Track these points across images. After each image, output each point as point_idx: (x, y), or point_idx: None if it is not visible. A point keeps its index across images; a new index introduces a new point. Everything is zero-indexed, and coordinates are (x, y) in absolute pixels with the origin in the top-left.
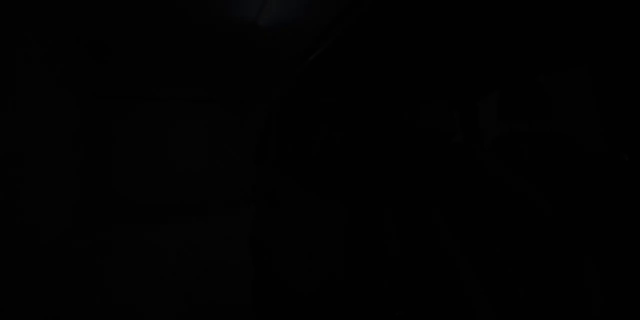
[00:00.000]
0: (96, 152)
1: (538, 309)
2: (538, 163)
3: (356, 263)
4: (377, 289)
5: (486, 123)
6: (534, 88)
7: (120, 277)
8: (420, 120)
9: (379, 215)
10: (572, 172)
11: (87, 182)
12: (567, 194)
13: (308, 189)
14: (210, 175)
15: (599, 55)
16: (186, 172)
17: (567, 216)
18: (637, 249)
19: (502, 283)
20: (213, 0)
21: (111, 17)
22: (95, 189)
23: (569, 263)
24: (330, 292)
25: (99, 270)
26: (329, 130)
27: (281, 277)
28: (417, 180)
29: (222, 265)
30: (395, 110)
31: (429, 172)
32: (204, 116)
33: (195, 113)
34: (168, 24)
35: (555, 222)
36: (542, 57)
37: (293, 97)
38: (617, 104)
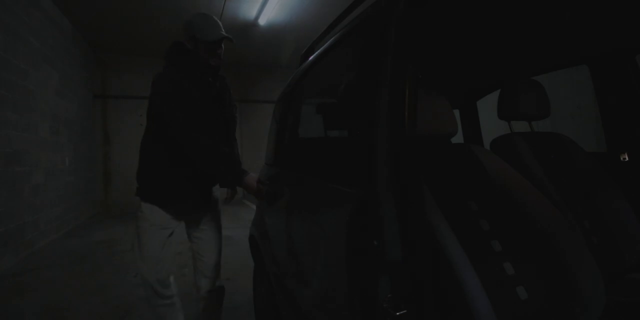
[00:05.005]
0: (96, 152)
1: (538, 308)
2: (538, 162)
3: (357, 262)
4: (378, 288)
5: (486, 123)
6: (534, 88)
7: (119, 277)
8: (420, 120)
9: (381, 214)
10: (569, 170)
11: (87, 182)
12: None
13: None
14: None
15: (599, 55)
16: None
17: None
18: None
19: (502, 282)
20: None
21: (117, 17)
22: (95, 189)
23: (570, 262)
24: (329, 292)
25: (98, 270)
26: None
27: (281, 279)
28: (418, 180)
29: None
30: (396, 109)
31: (429, 172)
32: None
33: None
34: (168, 23)
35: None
36: (542, 57)
37: (292, 96)
38: (617, 104)
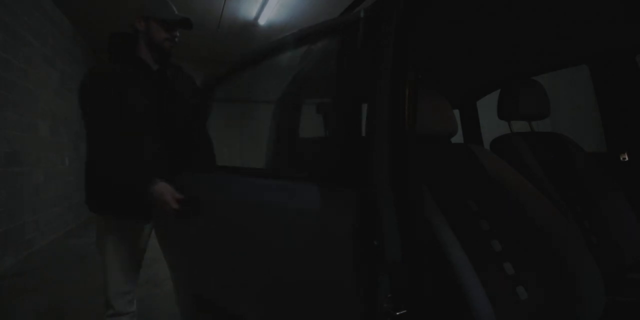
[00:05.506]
0: None
1: (538, 308)
2: (537, 162)
3: (359, 262)
4: (378, 288)
5: (486, 123)
6: (534, 88)
7: None
8: (420, 120)
9: (381, 214)
10: (569, 170)
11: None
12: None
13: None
14: None
15: (599, 55)
16: None
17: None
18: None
19: (502, 282)
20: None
21: (117, 17)
22: None
23: (571, 261)
24: (327, 293)
25: (98, 270)
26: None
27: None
28: (419, 180)
29: None
30: (396, 109)
31: (429, 172)
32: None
33: None
34: None
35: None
36: (542, 57)
37: (288, 95)
38: (617, 104)
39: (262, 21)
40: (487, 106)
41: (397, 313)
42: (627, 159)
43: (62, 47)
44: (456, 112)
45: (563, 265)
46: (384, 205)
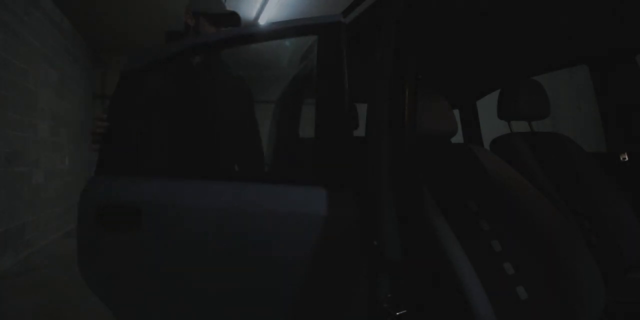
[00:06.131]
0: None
1: (538, 308)
2: (537, 162)
3: (361, 262)
4: (377, 288)
5: (486, 123)
6: (534, 88)
7: None
8: (420, 120)
9: (381, 214)
10: (569, 170)
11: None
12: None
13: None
14: None
15: (599, 55)
16: None
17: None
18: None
19: (502, 282)
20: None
21: (117, 17)
22: None
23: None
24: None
25: None
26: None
27: None
28: (418, 180)
29: None
30: (396, 109)
31: (429, 172)
32: None
33: None
34: (168, 23)
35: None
36: (542, 57)
37: (286, 94)
38: (617, 104)
39: (262, 21)
40: (487, 106)
41: (397, 313)
42: (627, 159)
43: (62, 47)
44: (456, 112)
45: (563, 266)
46: (384, 206)
